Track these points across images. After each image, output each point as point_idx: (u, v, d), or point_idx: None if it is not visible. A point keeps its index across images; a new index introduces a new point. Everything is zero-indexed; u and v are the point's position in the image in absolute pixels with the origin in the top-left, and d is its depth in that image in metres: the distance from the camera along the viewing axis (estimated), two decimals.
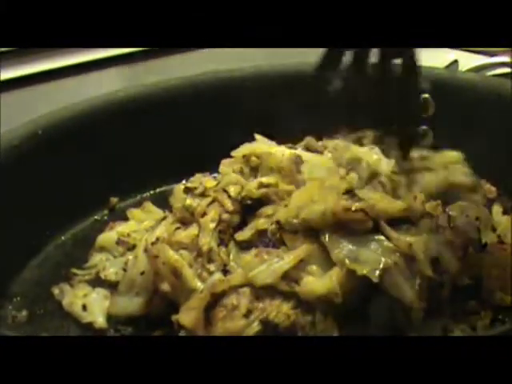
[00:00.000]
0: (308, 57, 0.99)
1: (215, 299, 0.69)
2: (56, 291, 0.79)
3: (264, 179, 0.77)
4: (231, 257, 0.73)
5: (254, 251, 0.71)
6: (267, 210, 0.75)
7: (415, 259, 0.67)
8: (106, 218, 0.94)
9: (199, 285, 0.70)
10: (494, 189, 0.85)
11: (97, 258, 0.83)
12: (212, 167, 0.87)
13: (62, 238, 0.89)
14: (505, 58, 1.08)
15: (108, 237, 0.85)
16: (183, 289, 0.71)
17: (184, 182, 0.88)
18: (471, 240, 0.71)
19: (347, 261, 0.66)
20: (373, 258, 0.67)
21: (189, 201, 0.79)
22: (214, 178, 0.84)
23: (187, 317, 0.68)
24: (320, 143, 0.86)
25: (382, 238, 0.68)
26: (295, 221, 0.71)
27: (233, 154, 0.82)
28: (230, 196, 0.77)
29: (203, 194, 0.80)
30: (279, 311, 0.67)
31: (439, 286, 0.69)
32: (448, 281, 0.69)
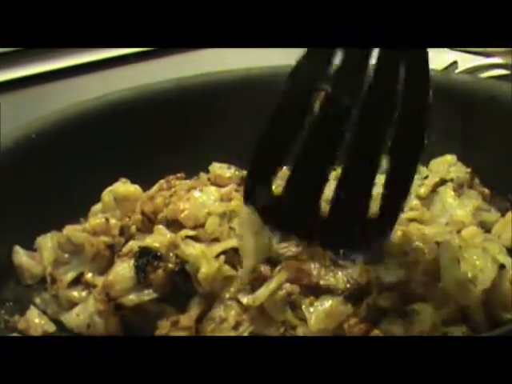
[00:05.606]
0: None
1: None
2: (37, 300, 0.78)
3: None
4: None
5: None
6: None
7: None
8: None
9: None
10: (487, 191, 0.85)
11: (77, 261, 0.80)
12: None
13: None
14: (500, 60, 1.09)
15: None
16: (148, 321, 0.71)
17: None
18: None
19: None
20: None
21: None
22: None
23: (181, 334, 0.68)
24: None
25: None
26: None
27: None
28: None
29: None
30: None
31: None
32: None
